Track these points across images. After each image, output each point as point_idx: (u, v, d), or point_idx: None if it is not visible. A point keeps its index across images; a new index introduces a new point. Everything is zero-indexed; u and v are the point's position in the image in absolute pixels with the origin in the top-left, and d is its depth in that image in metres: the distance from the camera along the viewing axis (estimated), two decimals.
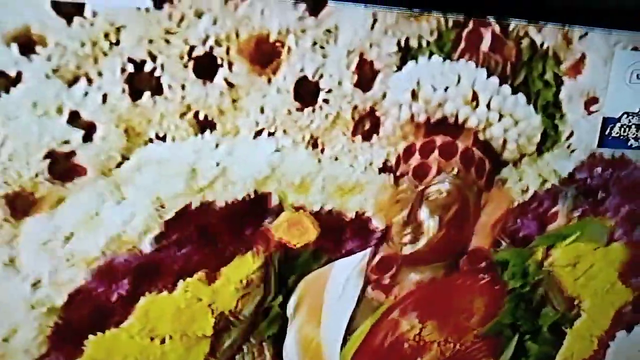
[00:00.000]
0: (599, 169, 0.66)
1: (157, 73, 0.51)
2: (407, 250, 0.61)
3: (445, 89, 0.59)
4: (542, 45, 0.62)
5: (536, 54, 0.61)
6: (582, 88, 0.63)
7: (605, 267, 0.67)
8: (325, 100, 0.57)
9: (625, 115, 0.65)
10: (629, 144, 0.66)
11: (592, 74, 0.63)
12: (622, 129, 0.65)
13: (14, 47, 0.48)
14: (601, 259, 0.67)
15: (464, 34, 0.60)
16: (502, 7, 0.59)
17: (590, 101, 0.64)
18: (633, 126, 0.65)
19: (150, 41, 0.50)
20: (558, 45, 0.61)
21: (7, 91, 0.48)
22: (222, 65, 0.53)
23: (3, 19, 0.46)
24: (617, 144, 0.65)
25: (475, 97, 0.60)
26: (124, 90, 0.50)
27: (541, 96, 0.63)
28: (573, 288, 0.67)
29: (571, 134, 0.64)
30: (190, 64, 0.52)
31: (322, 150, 0.58)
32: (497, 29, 0.60)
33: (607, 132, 0.65)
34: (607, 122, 0.64)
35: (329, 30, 0.55)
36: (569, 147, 0.65)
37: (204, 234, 0.56)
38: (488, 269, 0.64)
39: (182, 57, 0.51)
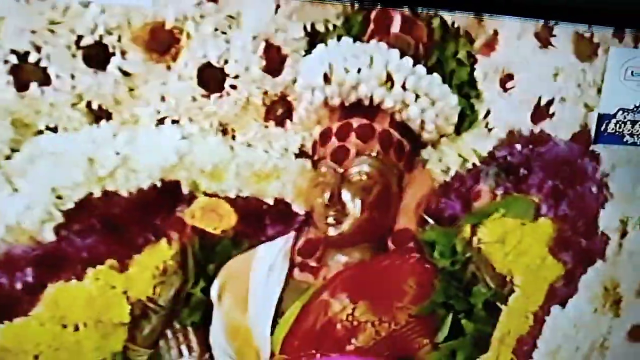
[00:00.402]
0: (519, 146, 0.62)
1: (43, 64, 0.46)
2: (332, 232, 0.57)
3: (358, 71, 0.54)
4: (453, 24, 0.56)
5: (448, 33, 0.56)
6: (497, 65, 0.58)
7: (535, 243, 0.64)
8: (233, 86, 0.52)
9: (621, 112, 0.63)
10: (624, 139, 0.64)
11: (506, 50, 0.58)
12: (618, 125, 0.63)
13: None
14: (529, 234, 0.63)
15: (372, 15, 0.54)
16: None
17: (506, 78, 0.60)
18: (628, 122, 0.63)
19: (33, 32, 0.45)
20: (469, 24, 0.56)
21: None
22: (114, 54, 0.48)
23: None
24: (612, 140, 0.63)
25: (389, 78, 0.55)
26: (8, 82, 0.45)
27: (456, 76, 0.58)
28: (503, 264, 0.63)
29: (488, 113, 0.60)
30: (79, 54, 0.47)
31: (234, 137, 0.53)
32: (406, 10, 0.55)
33: (602, 129, 0.62)
34: (603, 118, 0.62)
35: (230, 16, 0.50)
36: (486, 125, 0.60)
37: (109, 223, 0.52)
38: (416, 249, 0.60)
39: (69, 47, 0.46)
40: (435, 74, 0.58)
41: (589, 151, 0.64)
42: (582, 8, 0.59)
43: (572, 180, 0.64)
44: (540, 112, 0.62)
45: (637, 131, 0.63)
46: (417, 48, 0.58)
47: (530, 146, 0.63)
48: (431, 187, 0.61)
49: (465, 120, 0.60)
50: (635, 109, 0.63)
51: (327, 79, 0.55)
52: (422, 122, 0.58)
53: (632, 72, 0.61)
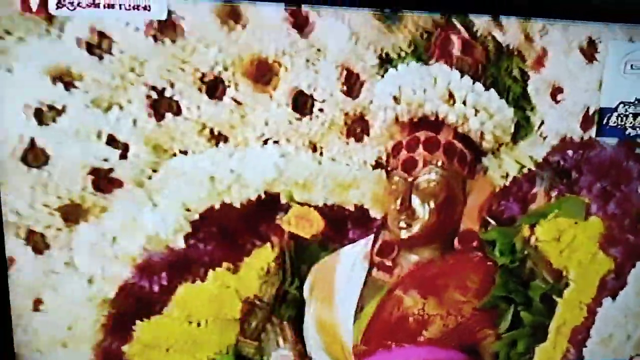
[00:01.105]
0: (570, 152, 0.70)
1: (176, 97, 0.58)
2: (404, 235, 0.66)
3: (424, 91, 0.64)
4: (505, 44, 0.66)
5: (502, 53, 0.66)
6: (547, 80, 0.67)
7: (586, 240, 0.70)
8: (320, 110, 0.63)
9: (622, 105, 0.66)
10: (626, 132, 0.67)
11: (554, 66, 0.67)
12: (619, 119, 0.66)
13: (60, 84, 0.56)
14: (582, 232, 0.70)
15: (435, 40, 0.64)
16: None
17: (556, 91, 0.68)
18: (630, 115, 0.66)
19: (169, 71, 0.57)
20: (520, 44, 0.66)
21: (55, 121, 0.56)
22: (229, 87, 0.60)
23: (50, 62, 0.54)
24: (614, 133, 0.67)
25: (451, 96, 0.65)
26: (150, 114, 0.57)
27: (512, 91, 0.67)
28: (558, 260, 0.70)
29: (542, 123, 0.68)
30: (203, 88, 0.59)
31: (321, 153, 0.64)
32: (465, 34, 0.65)
33: (604, 122, 0.66)
34: (604, 112, 0.65)
35: (318, 50, 0.62)
36: (541, 134, 0.68)
37: (226, 231, 0.63)
38: (479, 248, 0.68)
39: (195, 82, 0.58)
40: (492, 90, 0.68)
41: (634, 154, 0.71)
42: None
43: (619, 181, 0.71)
44: (589, 120, 0.71)
45: (639, 124, 0.66)
46: (476, 67, 0.68)
47: (581, 151, 0.71)
48: (492, 191, 0.70)
49: (522, 130, 0.69)
50: (636, 102, 0.66)
51: (397, 99, 0.66)
52: (482, 133, 0.68)
53: (631, 65, 0.64)
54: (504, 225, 0.69)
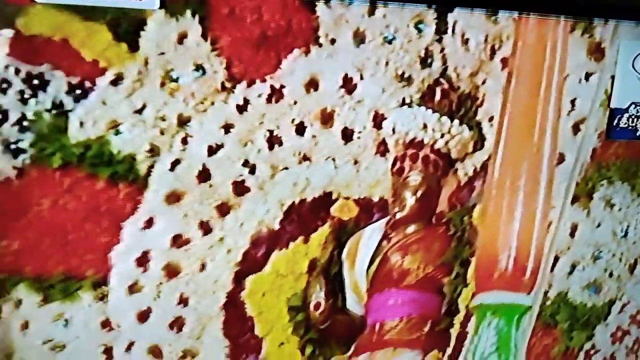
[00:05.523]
0: None
1: (279, 135, 1.01)
2: (399, 216, 0.98)
3: (408, 124, 0.97)
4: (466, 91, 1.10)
5: (466, 97, 1.01)
6: (484, 112, 1.02)
7: None
8: (359, 138, 1.07)
9: (633, 106, 0.70)
10: (637, 134, 0.71)
11: (487, 104, 0.99)
12: (630, 119, 0.70)
13: None
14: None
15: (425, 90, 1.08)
16: None
17: (489, 119, 0.98)
18: None
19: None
20: (472, 89, 1.05)
21: None
22: (308, 126, 1.03)
23: None
24: (625, 135, 0.72)
25: (425, 126, 1.01)
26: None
27: (474, 120, 1.00)
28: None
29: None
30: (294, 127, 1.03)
31: (360, 166, 0.97)
32: (445, 86, 1.10)
33: (615, 123, 0.70)
34: (615, 112, 0.70)
35: (359, 101, 1.07)
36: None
37: (301, 217, 1.06)
38: (445, 223, 1.02)
39: (291, 125, 1.02)
40: (455, 120, 1.16)
41: None
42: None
43: None
44: None
45: None
46: (450, 106, 1.11)
47: None
48: (458, 185, 1.09)
49: (478, 145, 0.97)
50: None
51: (394, 130, 1.07)
52: (448, 148, 1.16)
53: None
54: (462, 208, 0.99)
